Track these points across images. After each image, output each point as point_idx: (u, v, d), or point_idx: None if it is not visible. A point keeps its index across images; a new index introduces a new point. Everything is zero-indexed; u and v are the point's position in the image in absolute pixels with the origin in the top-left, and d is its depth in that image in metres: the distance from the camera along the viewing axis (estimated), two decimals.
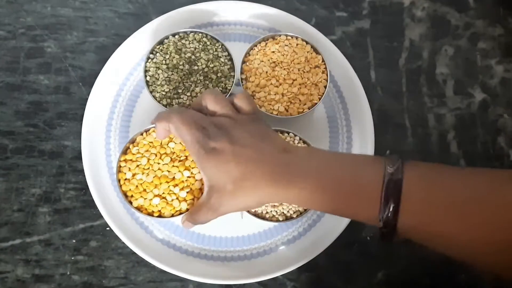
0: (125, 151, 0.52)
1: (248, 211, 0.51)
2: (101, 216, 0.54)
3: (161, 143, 0.52)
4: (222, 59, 0.55)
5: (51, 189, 0.56)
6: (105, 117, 0.57)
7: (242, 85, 0.55)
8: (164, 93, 0.54)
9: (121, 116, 0.58)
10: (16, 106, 0.59)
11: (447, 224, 0.37)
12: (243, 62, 0.56)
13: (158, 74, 0.54)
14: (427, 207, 0.37)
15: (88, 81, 0.59)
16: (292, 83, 0.54)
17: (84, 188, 0.55)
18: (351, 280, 0.55)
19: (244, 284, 0.54)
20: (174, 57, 0.55)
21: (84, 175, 0.54)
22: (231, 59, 0.56)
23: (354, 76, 0.59)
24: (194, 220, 0.46)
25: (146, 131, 0.53)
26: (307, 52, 0.56)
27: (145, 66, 0.55)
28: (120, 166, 0.51)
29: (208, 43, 0.56)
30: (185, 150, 0.52)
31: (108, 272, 0.54)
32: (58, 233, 0.55)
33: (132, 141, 0.52)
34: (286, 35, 0.56)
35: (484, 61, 0.63)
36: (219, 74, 0.55)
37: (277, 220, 0.51)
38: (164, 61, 0.55)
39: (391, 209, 0.37)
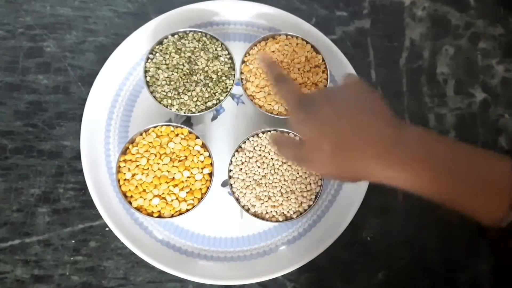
0: (124, 151, 0.52)
1: (248, 211, 0.51)
2: (100, 217, 0.53)
3: (160, 143, 0.51)
4: (222, 58, 0.55)
5: (50, 189, 0.56)
6: (104, 117, 0.57)
7: (242, 85, 0.55)
8: (164, 93, 0.53)
9: (121, 116, 0.57)
10: (15, 106, 0.58)
11: None
12: (243, 62, 0.56)
13: (158, 74, 0.54)
14: None
15: (88, 80, 0.59)
16: None
17: (83, 188, 0.55)
18: (351, 281, 0.55)
19: (244, 285, 0.54)
20: (174, 57, 0.54)
21: (84, 175, 0.54)
22: (231, 58, 0.56)
23: (354, 75, 0.58)
24: (278, 148, 0.46)
25: (146, 131, 0.52)
26: (307, 51, 0.56)
27: (145, 67, 0.54)
28: (119, 167, 0.51)
29: (208, 42, 0.56)
30: (184, 150, 0.52)
31: (108, 273, 0.54)
32: (57, 233, 0.55)
33: (132, 141, 0.52)
34: (286, 35, 0.56)
35: (485, 61, 0.63)
36: (219, 74, 0.55)
37: (277, 221, 0.51)
38: (164, 61, 0.54)
39: None
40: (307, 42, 0.56)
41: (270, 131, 0.53)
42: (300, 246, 0.54)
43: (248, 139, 0.53)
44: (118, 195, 0.53)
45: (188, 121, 0.58)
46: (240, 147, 0.53)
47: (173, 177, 0.51)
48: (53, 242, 0.55)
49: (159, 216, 0.51)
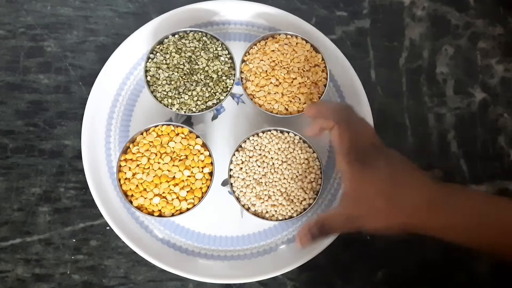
0: (125, 151, 0.52)
1: (248, 210, 0.52)
2: (101, 216, 0.54)
3: (161, 142, 0.52)
4: (222, 58, 0.55)
5: (51, 188, 0.56)
6: (105, 116, 0.57)
7: (242, 84, 0.55)
8: (165, 92, 0.54)
9: (121, 116, 0.58)
10: (16, 106, 0.58)
11: None
12: (243, 61, 0.56)
13: (159, 74, 0.54)
14: None
15: (88, 80, 0.59)
16: (292, 82, 0.54)
17: (84, 187, 0.55)
18: (350, 280, 0.55)
19: (244, 284, 0.54)
20: (174, 57, 0.54)
21: (84, 175, 0.54)
22: (231, 58, 0.56)
23: (354, 75, 0.59)
24: (324, 228, 0.44)
25: (146, 130, 0.53)
26: (307, 51, 0.56)
27: (146, 66, 0.54)
28: (120, 166, 0.51)
29: (208, 42, 0.56)
30: (185, 149, 0.52)
31: (108, 272, 0.54)
32: (58, 232, 0.55)
33: (132, 141, 0.52)
34: (286, 34, 0.56)
35: (484, 61, 0.63)
36: (219, 73, 0.55)
37: (277, 220, 0.51)
38: (164, 61, 0.54)
39: None
40: (306, 41, 0.56)
41: (270, 130, 0.54)
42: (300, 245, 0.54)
43: (248, 138, 0.53)
44: (119, 194, 0.53)
45: (188, 121, 0.58)
46: (240, 146, 0.53)
47: (174, 176, 0.51)
48: (54, 241, 0.55)
49: (160, 215, 0.51)
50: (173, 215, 0.51)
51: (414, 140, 0.60)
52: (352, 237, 0.55)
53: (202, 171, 0.52)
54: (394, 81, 0.61)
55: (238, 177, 0.52)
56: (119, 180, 0.51)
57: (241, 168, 0.52)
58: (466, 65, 0.63)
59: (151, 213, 0.51)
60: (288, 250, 0.55)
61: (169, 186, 0.50)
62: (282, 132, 0.54)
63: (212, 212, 0.55)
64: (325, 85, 0.55)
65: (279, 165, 0.52)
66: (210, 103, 0.54)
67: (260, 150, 0.53)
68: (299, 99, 0.54)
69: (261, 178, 0.52)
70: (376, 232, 0.42)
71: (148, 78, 0.54)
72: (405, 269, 0.56)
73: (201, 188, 0.51)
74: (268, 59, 0.55)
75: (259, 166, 0.52)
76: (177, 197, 0.51)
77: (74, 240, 0.55)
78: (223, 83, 0.55)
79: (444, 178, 0.58)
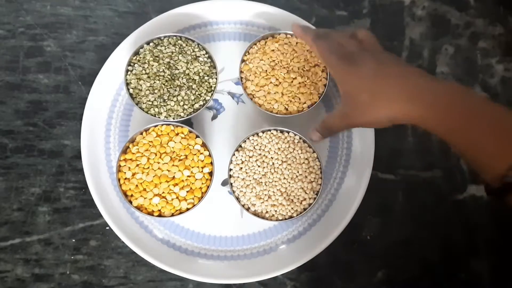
0: (124, 151, 0.52)
1: (248, 210, 0.52)
2: (100, 216, 0.54)
3: (161, 142, 0.52)
4: (201, 59, 0.55)
5: (50, 188, 0.56)
6: (104, 116, 0.57)
7: (242, 84, 0.55)
8: (150, 102, 0.53)
9: (121, 115, 0.57)
10: (15, 105, 0.58)
11: None
12: (243, 61, 0.56)
13: (141, 85, 0.54)
14: None
15: (88, 80, 0.59)
16: (292, 82, 0.54)
17: (84, 187, 0.55)
18: (351, 279, 0.55)
19: (244, 284, 0.54)
20: (153, 65, 0.54)
21: (84, 175, 0.54)
22: (210, 57, 0.55)
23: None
24: (327, 127, 0.49)
25: (146, 130, 0.53)
26: (307, 50, 0.56)
27: (126, 79, 0.54)
28: (120, 166, 0.51)
29: (184, 45, 0.55)
30: (185, 149, 0.52)
31: (108, 272, 0.54)
32: (58, 232, 0.55)
33: (132, 141, 0.52)
34: (286, 34, 0.56)
35: (485, 60, 0.63)
36: (201, 74, 0.55)
37: (277, 220, 0.51)
38: (143, 71, 0.54)
39: None
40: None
41: (270, 130, 0.54)
42: (300, 245, 0.54)
43: (248, 138, 0.53)
44: (119, 194, 0.53)
45: (188, 121, 0.58)
46: (240, 146, 0.53)
47: (173, 176, 0.51)
48: (54, 241, 0.55)
49: (160, 215, 0.51)
50: (172, 215, 0.51)
51: (414, 140, 0.59)
52: (352, 237, 0.56)
53: (202, 171, 0.52)
54: None
55: (238, 177, 0.52)
56: (119, 180, 0.51)
57: (241, 168, 0.52)
58: (466, 65, 0.62)
59: (150, 213, 0.51)
60: (288, 250, 0.54)
61: (168, 186, 0.50)
62: (282, 132, 0.54)
63: (212, 212, 0.55)
64: (325, 85, 0.55)
65: (279, 165, 0.52)
66: (197, 106, 0.54)
67: (260, 150, 0.53)
68: (299, 99, 0.54)
69: (261, 178, 0.52)
70: (367, 125, 0.45)
71: (131, 90, 0.54)
72: (405, 269, 0.56)
73: (201, 188, 0.51)
74: (268, 58, 0.55)
75: (259, 166, 0.52)
76: (177, 197, 0.51)
77: (73, 240, 0.55)
78: (206, 83, 0.54)
79: (444, 178, 0.58)
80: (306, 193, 0.52)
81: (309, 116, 0.55)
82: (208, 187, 0.52)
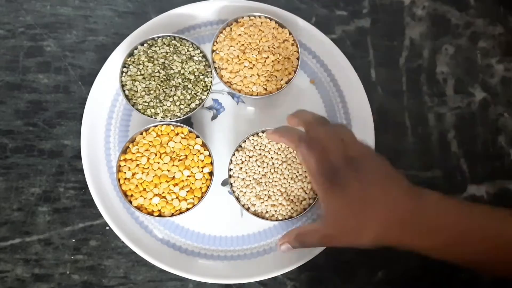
0: (124, 151, 0.52)
1: (248, 210, 0.51)
2: (100, 216, 0.54)
3: (161, 142, 0.52)
4: (196, 58, 0.55)
5: (50, 188, 0.56)
6: (104, 116, 0.57)
7: (217, 73, 0.55)
8: (146, 103, 0.53)
9: (121, 115, 0.57)
10: (15, 105, 0.58)
11: None
12: (213, 51, 0.56)
13: (136, 86, 0.54)
14: None
15: (88, 80, 0.59)
16: (265, 61, 0.55)
17: (84, 187, 0.55)
18: (351, 279, 0.55)
19: (244, 284, 0.54)
20: (147, 66, 0.54)
21: (84, 175, 0.54)
22: (204, 56, 0.56)
23: (354, 75, 0.58)
24: (302, 242, 0.45)
25: (146, 130, 0.53)
26: (273, 28, 0.56)
27: (121, 81, 0.54)
28: (119, 166, 0.51)
29: (178, 45, 0.55)
30: (184, 149, 0.52)
31: (108, 272, 0.54)
32: (58, 232, 0.55)
33: (132, 140, 0.52)
34: (249, 16, 0.57)
35: (485, 60, 0.63)
36: (196, 73, 0.55)
37: (277, 220, 0.51)
38: (138, 72, 0.54)
39: None
40: (270, 19, 0.57)
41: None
42: None
43: (248, 138, 0.53)
44: (118, 194, 0.53)
45: (188, 120, 0.58)
46: (240, 146, 0.53)
47: (173, 176, 0.51)
48: (54, 241, 0.55)
49: (159, 215, 0.51)
50: (172, 215, 0.51)
51: (414, 140, 0.59)
52: None
53: (202, 171, 0.52)
54: (394, 81, 0.61)
55: (238, 177, 0.52)
56: (119, 180, 0.51)
57: (241, 168, 0.52)
58: (467, 65, 0.62)
59: (150, 213, 0.51)
60: (288, 250, 0.54)
61: (168, 186, 0.50)
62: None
63: (212, 212, 0.55)
64: (297, 58, 0.55)
65: (279, 165, 0.52)
66: (193, 105, 0.54)
67: (260, 150, 0.53)
68: (276, 77, 0.55)
69: (261, 178, 0.52)
70: (349, 246, 0.43)
71: (126, 92, 0.54)
72: (405, 269, 0.56)
73: (200, 188, 0.51)
74: (237, 43, 0.55)
75: (259, 166, 0.52)
76: (177, 197, 0.51)
77: (73, 240, 0.55)
78: (202, 82, 0.55)
79: (444, 178, 0.58)
80: (306, 193, 0.52)
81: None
82: (208, 187, 0.52)
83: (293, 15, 0.60)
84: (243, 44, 0.55)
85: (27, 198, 0.56)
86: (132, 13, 0.62)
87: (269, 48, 0.55)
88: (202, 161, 0.52)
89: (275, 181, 0.52)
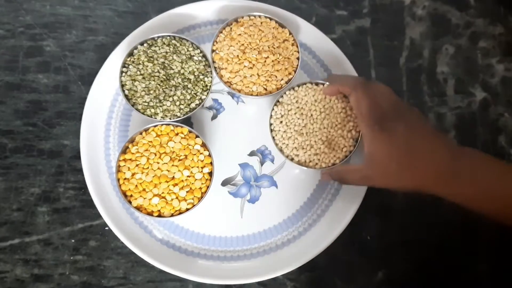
0: (124, 151, 0.52)
1: (292, 160, 0.53)
2: (100, 216, 0.53)
3: (160, 142, 0.51)
4: (195, 58, 0.55)
5: (50, 188, 0.56)
6: (104, 116, 0.57)
7: (217, 73, 0.55)
8: (146, 103, 0.53)
9: (120, 115, 0.57)
10: (15, 105, 0.58)
11: None
12: (212, 51, 0.56)
13: (136, 86, 0.53)
14: None
15: (87, 80, 0.59)
16: (265, 61, 0.55)
17: (83, 187, 0.55)
18: (351, 280, 0.55)
19: (244, 284, 0.54)
20: (147, 66, 0.54)
21: (83, 175, 0.54)
22: (204, 56, 0.56)
23: (354, 75, 0.58)
24: (342, 178, 0.50)
25: (146, 130, 0.52)
26: (273, 28, 0.56)
27: (121, 81, 0.54)
28: (119, 166, 0.51)
29: (178, 44, 0.55)
30: (184, 149, 0.52)
31: (107, 272, 0.54)
32: (57, 232, 0.55)
33: (132, 141, 0.52)
34: (249, 16, 0.56)
35: (485, 60, 0.63)
36: (196, 73, 0.54)
37: (321, 167, 0.52)
38: (138, 72, 0.54)
39: None
40: (270, 19, 0.56)
41: (305, 83, 0.54)
42: (300, 246, 0.54)
43: (285, 93, 0.54)
44: (118, 194, 0.53)
45: (188, 120, 0.58)
46: (278, 101, 0.54)
47: (173, 176, 0.51)
48: (53, 241, 0.55)
49: (159, 216, 0.51)
50: (172, 215, 0.51)
51: None
52: (352, 237, 0.55)
53: (202, 171, 0.51)
54: (394, 81, 0.61)
55: (279, 130, 0.53)
56: (118, 180, 0.51)
57: (281, 121, 0.53)
58: (467, 65, 0.62)
59: (150, 214, 0.50)
60: (288, 250, 0.54)
61: (168, 186, 0.50)
62: (317, 84, 0.54)
63: (212, 213, 0.55)
64: (298, 58, 0.55)
65: (318, 115, 0.53)
66: (193, 105, 0.54)
67: (297, 103, 0.54)
68: (276, 77, 0.54)
69: (301, 129, 0.53)
70: (388, 188, 0.46)
71: (126, 92, 0.54)
72: (405, 269, 0.56)
73: (200, 188, 0.51)
74: (237, 43, 0.55)
75: (298, 118, 0.53)
76: (177, 197, 0.50)
77: (73, 241, 0.55)
78: (201, 82, 0.54)
79: None
80: (346, 140, 0.53)
81: None
82: (208, 187, 0.51)
83: (293, 15, 0.60)
84: (243, 44, 0.55)
85: (26, 198, 0.56)
86: (132, 13, 0.62)
87: (269, 48, 0.55)
88: (202, 161, 0.52)
89: (316, 131, 0.53)
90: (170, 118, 0.53)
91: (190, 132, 0.53)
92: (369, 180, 0.47)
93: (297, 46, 0.55)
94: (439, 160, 0.43)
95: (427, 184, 0.43)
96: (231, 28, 0.56)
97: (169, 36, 0.56)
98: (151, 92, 0.53)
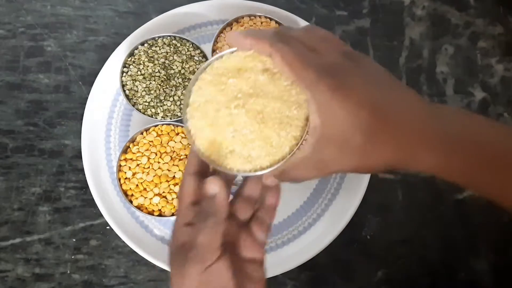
0: (125, 150, 0.52)
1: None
2: (101, 215, 0.54)
3: (161, 142, 0.52)
4: (196, 58, 0.55)
5: (51, 188, 0.56)
6: (105, 116, 0.57)
7: None
8: (146, 103, 0.53)
9: (121, 115, 0.58)
10: (16, 105, 0.58)
11: None
12: (213, 51, 0.56)
13: (136, 86, 0.54)
14: None
15: (88, 80, 0.59)
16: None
17: (84, 187, 0.55)
18: (351, 279, 0.55)
19: None
20: (148, 66, 0.54)
21: (84, 174, 0.54)
22: (204, 56, 0.56)
23: None
24: (289, 177, 0.34)
25: (146, 130, 0.53)
26: (273, 28, 0.56)
27: (121, 81, 0.54)
28: (120, 165, 0.51)
29: (179, 44, 0.56)
30: (185, 149, 0.52)
31: (108, 271, 0.54)
32: (58, 232, 0.55)
33: (132, 140, 0.52)
34: (249, 16, 0.56)
35: (484, 60, 0.63)
36: None
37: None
38: (139, 72, 0.54)
39: None
40: (270, 19, 0.57)
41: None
42: (299, 245, 0.54)
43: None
44: (119, 193, 0.53)
45: None
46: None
47: (174, 176, 0.51)
48: (54, 241, 0.55)
49: (160, 215, 0.51)
50: (173, 214, 0.51)
51: None
52: (352, 237, 0.56)
53: None
54: None
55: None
56: (119, 179, 0.51)
57: None
58: (466, 65, 0.63)
59: (151, 213, 0.51)
60: (288, 249, 0.54)
61: (169, 185, 0.50)
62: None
63: None
64: None
65: None
66: None
67: None
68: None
69: None
70: (352, 172, 0.32)
71: (127, 92, 0.54)
72: (405, 269, 0.56)
73: None
74: None
75: None
76: (177, 197, 0.51)
77: (74, 240, 0.55)
78: None
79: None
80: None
81: None
82: None
83: (293, 15, 0.60)
84: None
85: (27, 198, 0.56)
86: (133, 13, 0.62)
87: None
88: None
89: None
90: (170, 118, 0.53)
91: None
92: (324, 167, 0.32)
93: None
94: (420, 119, 0.30)
95: (407, 156, 0.30)
96: (231, 28, 0.56)
97: (169, 36, 0.56)
98: (152, 92, 0.53)
